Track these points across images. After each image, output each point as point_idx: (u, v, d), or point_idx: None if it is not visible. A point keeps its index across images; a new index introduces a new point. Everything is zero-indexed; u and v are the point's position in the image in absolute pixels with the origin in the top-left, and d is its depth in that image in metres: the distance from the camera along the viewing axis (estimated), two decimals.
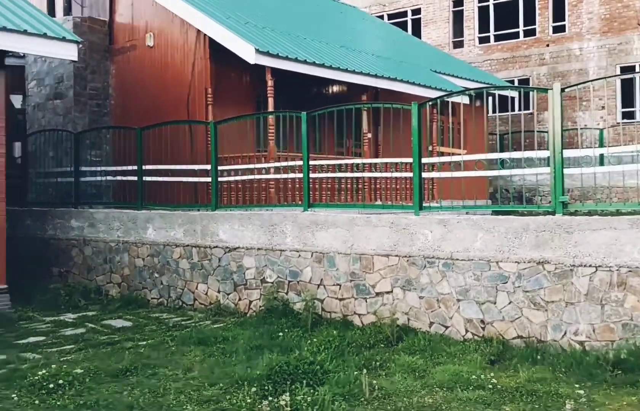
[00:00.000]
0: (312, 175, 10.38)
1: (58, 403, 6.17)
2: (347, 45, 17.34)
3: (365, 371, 6.64)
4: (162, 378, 6.91)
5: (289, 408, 5.65)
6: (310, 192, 10.33)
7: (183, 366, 7.32)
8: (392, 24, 28.87)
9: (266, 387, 6.27)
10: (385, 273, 8.94)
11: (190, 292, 10.99)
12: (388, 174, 11.00)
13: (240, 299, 10.39)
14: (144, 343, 8.57)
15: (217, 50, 13.43)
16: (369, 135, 15.17)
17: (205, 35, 13.53)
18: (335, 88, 16.59)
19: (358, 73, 14.87)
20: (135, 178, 12.33)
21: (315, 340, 8.11)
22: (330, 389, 6.07)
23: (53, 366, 7.04)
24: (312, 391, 6.05)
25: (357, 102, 12.86)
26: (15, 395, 6.38)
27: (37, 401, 6.20)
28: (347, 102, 11.65)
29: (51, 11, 15.50)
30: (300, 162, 10.43)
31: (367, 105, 13.82)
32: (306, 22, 18.12)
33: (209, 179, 11.60)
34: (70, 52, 11.27)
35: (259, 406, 5.85)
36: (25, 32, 10.50)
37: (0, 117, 10.74)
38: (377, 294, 8.99)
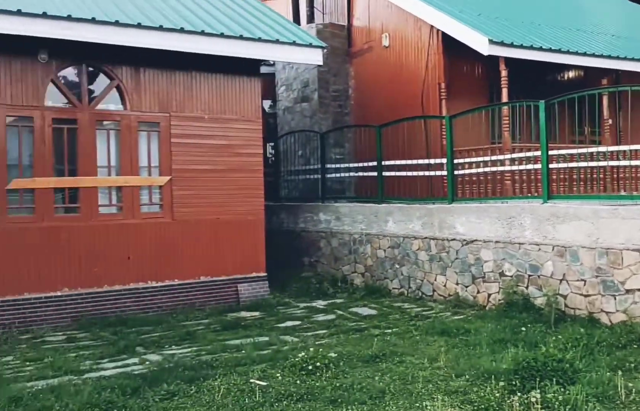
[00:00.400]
0: (550, 165, 10.14)
1: (317, 384, 6.58)
2: (583, 28, 16.45)
3: (620, 372, 6.44)
4: (410, 366, 7.16)
5: (539, 406, 5.66)
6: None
7: (428, 356, 7.53)
8: (633, 0, 26.55)
9: (513, 382, 6.27)
10: (636, 269, 8.46)
11: (429, 283, 11.37)
12: (637, 162, 10.35)
13: (478, 292, 10.51)
14: (390, 331, 9.02)
15: (449, 45, 13.58)
16: (610, 121, 14.32)
17: (438, 30, 13.74)
18: (571, 73, 15.88)
19: (597, 56, 14.07)
20: (375, 173, 13.00)
21: (560, 337, 7.94)
22: (582, 389, 5.94)
23: (310, 349, 7.52)
24: (562, 389, 5.98)
25: (599, 87, 12.26)
26: (279, 374, 6.95)
27: (298, 381, 6.68)
28: (583, 88, 11.17)
29: (296, 20, 16.75)
30: (537, 153, 10.24)
31: (612, 89, 13.06)
32: (539, 7, 17.48)
33: (444, 172, 11.86)
34: (316, 57, 12.22)
35: (508, 401, 5.86)
36: (277, 42, 11.58)
37: (257, 121, 12.00)
38: (628, 291, 8.55)
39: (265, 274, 11.89)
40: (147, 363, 7.71)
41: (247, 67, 11.79)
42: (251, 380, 6.76)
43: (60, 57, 10.21)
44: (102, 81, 10.72)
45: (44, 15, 9.45)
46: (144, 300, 10.68)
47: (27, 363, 7.83)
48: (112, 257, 10.49)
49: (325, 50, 12.47)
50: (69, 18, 9.62)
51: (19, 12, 9.29)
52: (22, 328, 9.62)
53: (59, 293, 10.04)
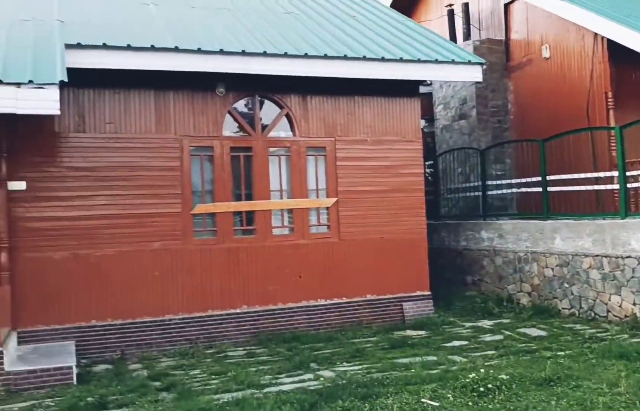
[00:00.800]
0: None
1: (489, 406, 6.47)
2: None
3: None
4: (587, 391, 6.89)
5: None
6: None
7: (607, 381, 7.19)
8: None
9: None
10: None
11: (602, 303, 10.88)
12: None
13: None
14: (562, 353, 8.74)
15: (615, 52, 12.98)
16: None
17: (603, 38, 13.19)
18: None
19: None
20: (538, 189, 12.66)
21: None
22: None
23: (481, 370, 7.46)
24: None
25: None
26: (450, 395, 6.90)
27: (470, 403, 6.60)
28: None
29: (452, 38, 16.72)
30: None
31: None
32: None
33: (614, 186, 11.35)
34: (475, 74, 12.19)
35: None
36: (436, 61, 11.69)
37: (417, 141, 12.25)
38: None
39: (429, 293, 11.99)
40: (322, 379, 8.01)
41: (406, 88, 12.01)
42: (422, 400, 6.79)
43: (235, 90, 10.98)
44: (271, 110, 11.38)
45: (221, 52, 10.23)
46: (315, 317, 11.16)
47: (213, 376, 8.44)
48: (285, 276, 11.08)
49: (484, 66, 12.37)
50: (243, 53, 10.35)
51: (199, 51, 10.13)
52: (207, 342, 10.40)
53: (238, 310, 10.76)
